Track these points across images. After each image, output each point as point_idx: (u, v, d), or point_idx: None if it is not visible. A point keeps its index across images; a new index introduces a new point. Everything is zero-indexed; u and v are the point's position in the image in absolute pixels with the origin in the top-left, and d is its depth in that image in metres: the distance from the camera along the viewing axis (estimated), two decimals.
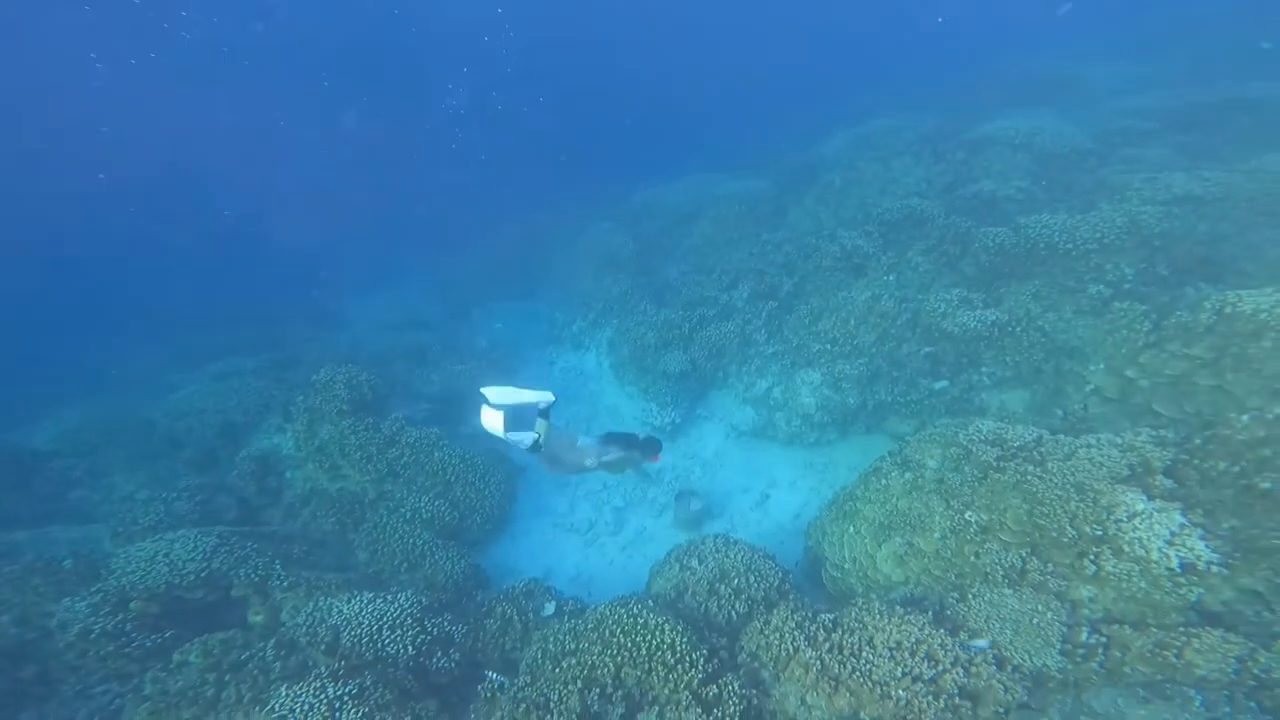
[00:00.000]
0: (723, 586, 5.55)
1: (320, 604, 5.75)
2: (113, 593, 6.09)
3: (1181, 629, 4.00)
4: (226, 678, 5.33)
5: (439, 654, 5.52)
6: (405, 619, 5.59)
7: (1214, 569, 4.03)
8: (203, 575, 6.23)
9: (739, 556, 5.84)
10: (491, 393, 6.10)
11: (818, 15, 31.61)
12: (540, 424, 6.12)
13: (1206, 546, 4.03)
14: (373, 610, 5.60)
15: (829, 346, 8.44)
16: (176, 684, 5.29)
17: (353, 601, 5.71)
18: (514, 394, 6.08)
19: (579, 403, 10.54)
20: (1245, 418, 4.59)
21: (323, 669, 5.07)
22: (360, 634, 5.35)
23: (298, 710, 4.59)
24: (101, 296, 21.10)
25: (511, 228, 17.29)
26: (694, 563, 5.93)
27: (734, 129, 20.57)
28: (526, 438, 6.00)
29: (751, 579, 5.56)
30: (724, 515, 8.01)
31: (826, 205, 11.51)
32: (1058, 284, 7.65)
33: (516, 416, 6.15)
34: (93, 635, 5.83)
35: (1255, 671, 3.69)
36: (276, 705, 4.66)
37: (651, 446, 6.45)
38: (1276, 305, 5.52)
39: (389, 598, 5.82)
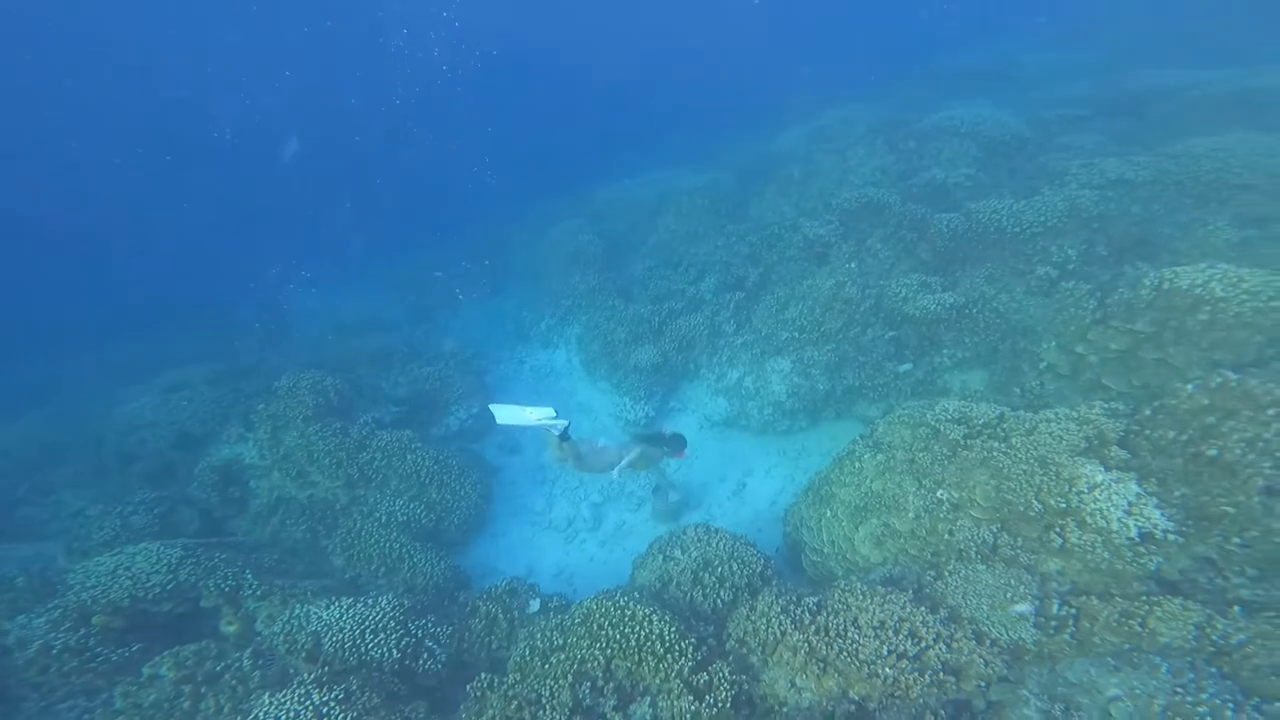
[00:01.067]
0: (707, 575, 5.65)
1: (297, 611, 5.67)
2: (72, 608, 5.92)
3: (1144, 598, 4.22)
4: (203, 689, 5.23)
5: (425, 656, 5.50)
6: (388, 622, 5.55)
7: (1170, 537, 4.27)
8: (169, 587, 6.08)
9: (721, 545, 5.95)
10: (499, 412, 6.38)
11: (772, 14, 31.88)
12: (566, 446, 6.43)
13: (1162, 515, 4.29)
14: (353, 615, 5.56)
15: (797, 334, 8.63)
16: (149, 697, 5.18)
17: (331, 607, 5.65)
18: (518, 414, 6.31)
19: (550, 400, 10.46)
20: (1189, 388, 4.88)
21: (306, 676, 4.99)
22: (342, 639, 5.30)
23: (283, 717, 4.52)
24: (39, 305, 19.99)
25: (475, 227, 17.04)
26: (677, 553, 6.02)
27: (694, 125, 20.72)
28: (556, 425, 6.27)
29: (734, 566, 5.68)
30: (702, 506, 8.13)
31: (787, 197, 11.71)
32: (1008, 266, 7.99)
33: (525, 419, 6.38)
34: (54, 651, 5.67)
35: (1213, 638, 3.89)
36: (260, 714, 4.58)
37: (677, 443, 6.57)
38: (1210, 280, 5.85)
39: (369, 602, 5.78)
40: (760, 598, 5.19)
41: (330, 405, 8.64)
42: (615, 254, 12.70)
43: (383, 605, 5.72)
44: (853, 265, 8.95)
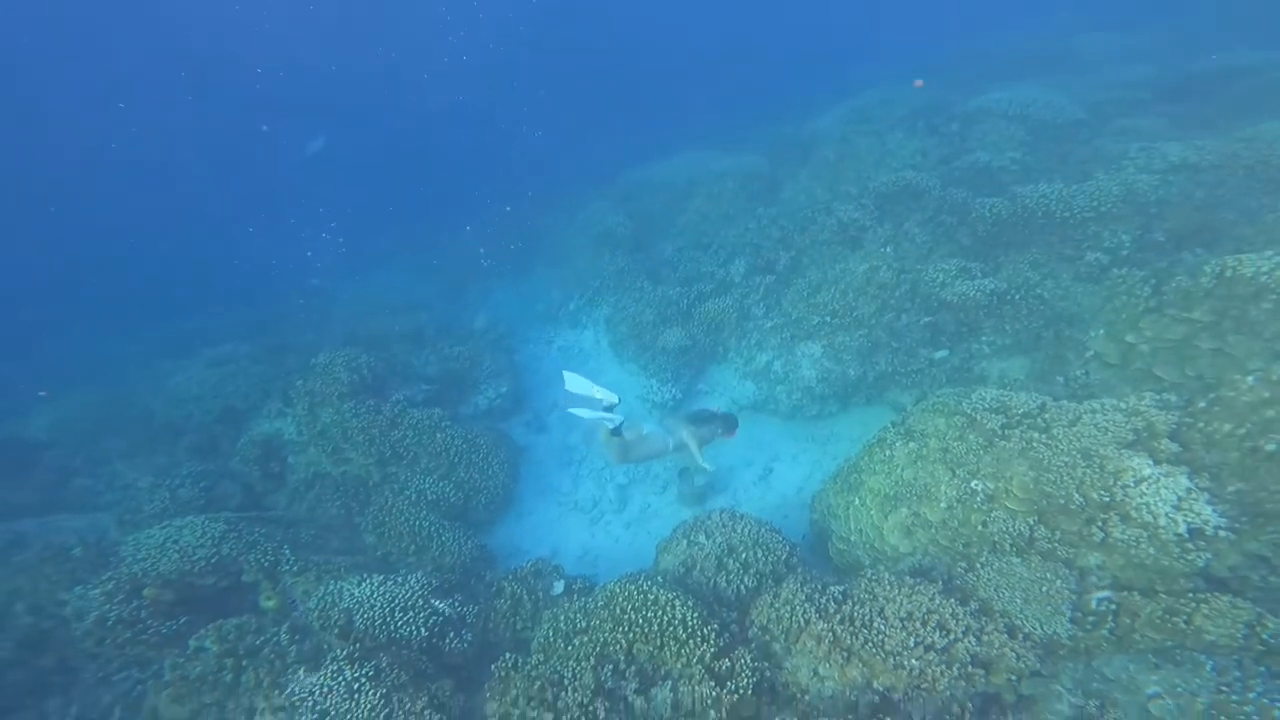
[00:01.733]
0: (730, 561, 5.58)
1: (331, 588, 5.77)
2: (125, 580, 6.10)
3: (1190, 595, 4.05)
4: (244, 663, 5.36)
5: (451, 635, 5.56)
6: (416, 601, 5.62)
7: (1221, 534, 4.07)
8: (213, 561, 6.24)
9: (745, 531, 5.88)
10: (571, 379, 6.52)
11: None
12: (614, 441, 6.41)
13: (1213, 511, 4.08)
14: (384, 593, 5.62)
15: (828, 319, 8.43)
16: (195, 669, 5.32)
17: (363, 584, 5.74)
18: (587, 387, 6.40)
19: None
20: (1249, 379, 4.62)
21: (339, 652, 5.10)
22: (373, 617, 5.37)
23: (317, 693, 4.63)
24: (92, 285, 20.77)
25: (506, 208, 17.11)
26: (701, 538, 5.96)
27: (727, 105, 20.28)
28: (611, 419, 6.31)
29: (759, 553, 5.60)
30: (728, 490, 8.05)
31: (821, 179, 11.43)
32: (1055, 252, 7.66)
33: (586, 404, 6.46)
34: (109, 623, 5.87)
35: (1263, 636, 3.74)
36: (296, 688, 4.71)
37: (729, 422, 6.46)
38: (1276, 268, 5.51)
39: (399, 580, 5.86)
40: (784, 585, 5.11)
41: (364, 382, 8.77)
42: (644, 235, 12.60)
43: (412, 583, 5.80)
44: (888, 250, 8.69)
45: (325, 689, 4.64)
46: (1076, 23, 18.07)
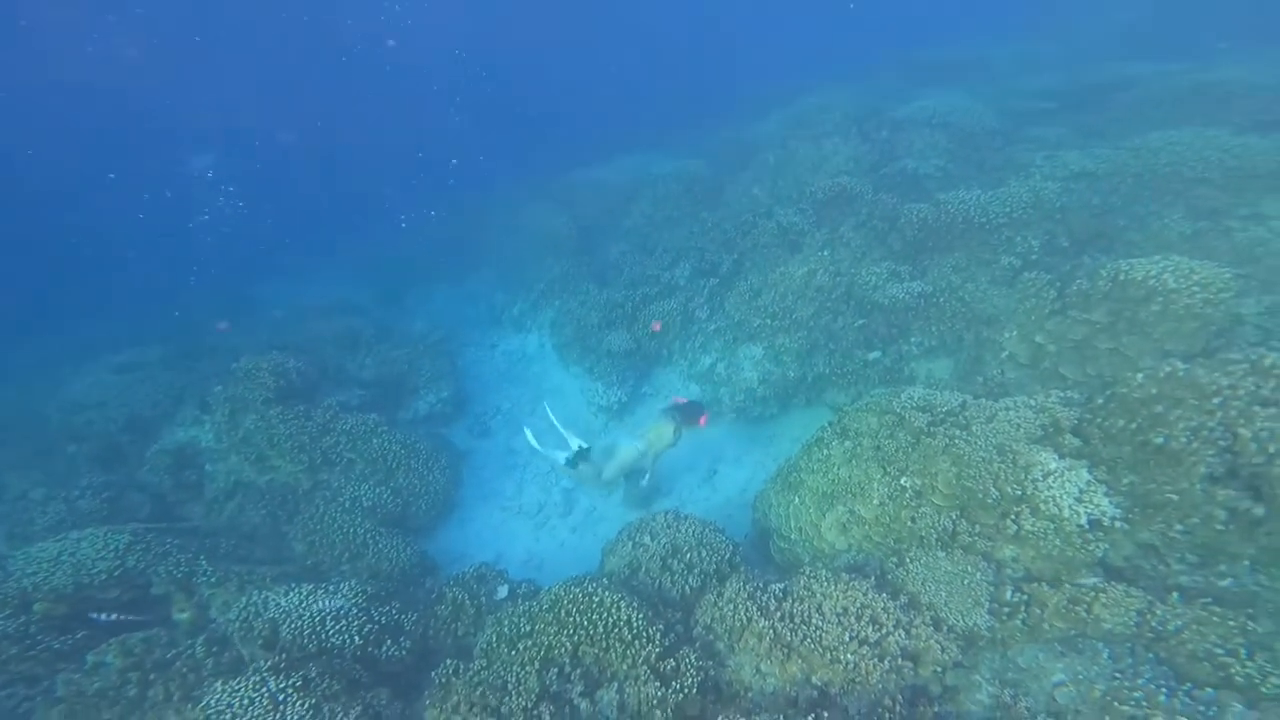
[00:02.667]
0: (675, 561, 5.70)
1: (255, 598, 5.60)
2: (13, 595, 5.75)
3: (1091, 584, 4.38)
4: (151, 676, 5.14)
5: (389, 642, 5.48)
6: (350, 609, 5.53)
7: (1116, 524, 4.43)
8: (116, 574, 5.95)
9: (690, 531, 6.01)
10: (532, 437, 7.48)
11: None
12: (584, 468, 6.96)
13: (1110, 502, 4.45)
14: (314, 602, 5.51)
15: (769, 321, 8.68)
16: (94, 685, 5.08)
17: (291, 594, 5.59)
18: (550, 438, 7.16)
19: (523, 385, 10.48)
20: (1139, 376, 5.04)
21: (262, 663, 4.93)
22: (302, 626, 5.23)
23: (236, 705, 4.46)
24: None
25: (446, 209, 16.75)
26: (646, 539, 6.06)
27: (673, 108, 20.46)
28: (559, 455, 6.86)
29: (703, 553, 5.74)
30: (673, 493, 8.21)
31: (762, 183, 11.71)
32: (975, 256, 8.10)
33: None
34: None
35: (1153, 624, 4.08)
36: (212, 701, 4.51)
37: (693, 411, 6.61)
38: (1163, 272, 6.02)
39: (331, 588, 5.74)
40: (728, 584, 5.27)
41: (293, 387, 8.50)
42: (589, 238, 12.63)
43: (345, 591, 5.70)
44: (825, 253, 9.02)
45: (246, 700, 4.48)
46: (991, 33, 19.19)
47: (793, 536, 6.08)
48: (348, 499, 7.60)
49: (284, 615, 5.33)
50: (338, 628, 5.31)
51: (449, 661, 5.04)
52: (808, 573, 5.09)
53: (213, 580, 6.12)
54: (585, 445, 7.08)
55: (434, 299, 13.23)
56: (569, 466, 7.05)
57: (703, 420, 7.09)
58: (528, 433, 7.71)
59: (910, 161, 10.27)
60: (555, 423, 7.69)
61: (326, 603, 5.52)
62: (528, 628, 5.09)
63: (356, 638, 5.29)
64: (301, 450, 7.93)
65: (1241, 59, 11.64)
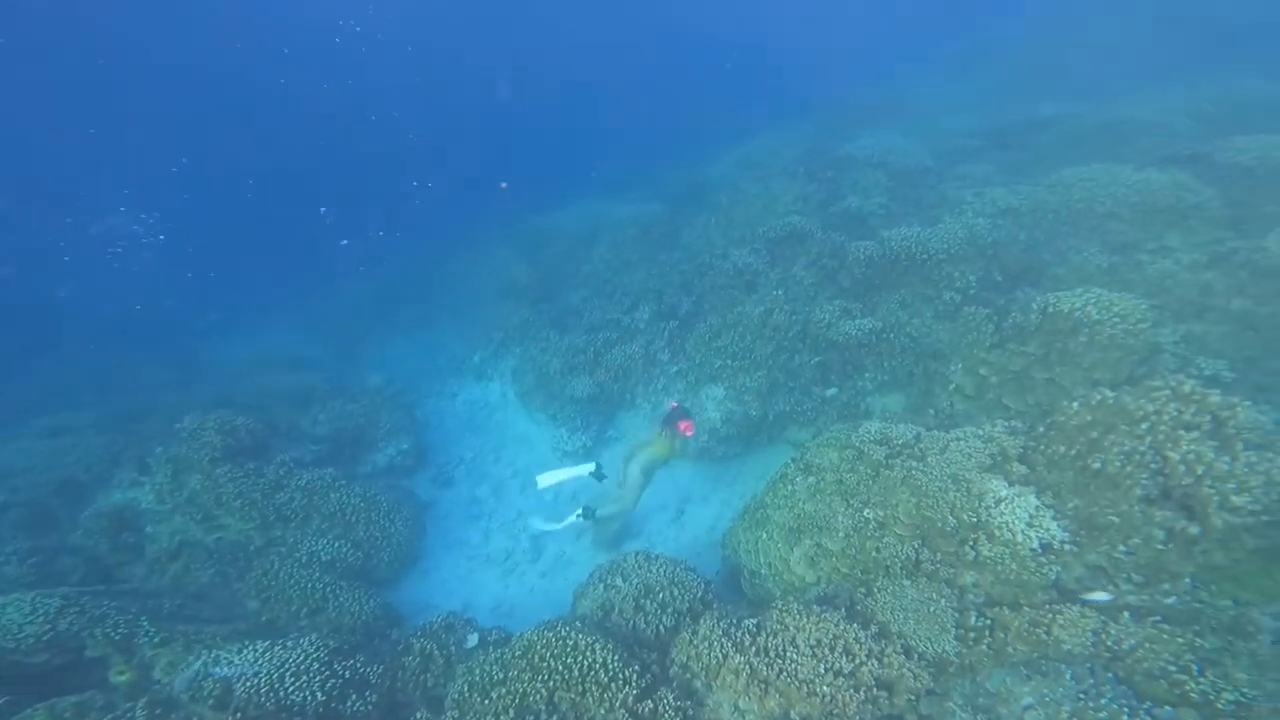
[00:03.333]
0: (648, 601, 5.74)
1: (204, 657, 5.37)
2: None
3: (1048, 606, 4.61)
4: None
5: (354, 697, 5.31)
6: (310, 664, 5.35)
7: (1066, 547, 4.70)
8: (45, 639, 5.60)
9: (661, 570, 6.07)
10: (543, 479, 7.90)
11: (695, 45, 32.69)
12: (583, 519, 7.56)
13: (1058, 526, 4.73)
14: (270, 658, 5.32)
15: (730, 361, 8.93)
16: None
17: (245, 651, 5.39)
18: (561, 474, 7.72)
19: (485, 433, 10.42)
20: (1074, 405, 5.42)
21: None
22: (258, 683, 5.04)
23: None
24: None
25: (401, 260, 16.65)
26: (618, 580, 6.09)
27: (625, 154, 20.96)
28: (570, 518, 7.60)
29: (675, 592, 5.80)
30: (642, 534, 8.25)
31: (717, 225, 12.13)
32: (919, 292, 8.50)
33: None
34: None
35: (1108, 644, 4.26)
36: None
37: (677, 416, 7.00)
38: (1086, 304, 6.51)
39: (289, 644, 5.55)
40: (702, 622, 5.34)
41: (241, 446, 8.36)
42: (549, 285, 12.79)
43: (304, 646, 5.52)
44: (780, 293, 9.38)
45: None
46: (920, 72, 20.51)
47: (763, 571, 6.20)
48: (305, 554, 7.49)
49: (238, 673, 5.13)
50: (298, 684, 5.13)
51: (420, 714, 4.95)
52: (780, 606, 5.20)
53: (156, 640, 5.81)
54: (596, 464, 7.81)
55: (389, 351, 13.08)
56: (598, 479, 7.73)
57: (684, 427, 7.26)
58: (535, 521, 8.13)
59: (855, 199, 10.80)
60: (558, 476, 7.98)
61: (285, 658, 5.34)
62: (500, 675, 5.04)
63: (319, 693, 5.13)
64: (252, 507, 7.78)
65: (1136, 98, 12.80)
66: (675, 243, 12.52)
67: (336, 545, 7.68)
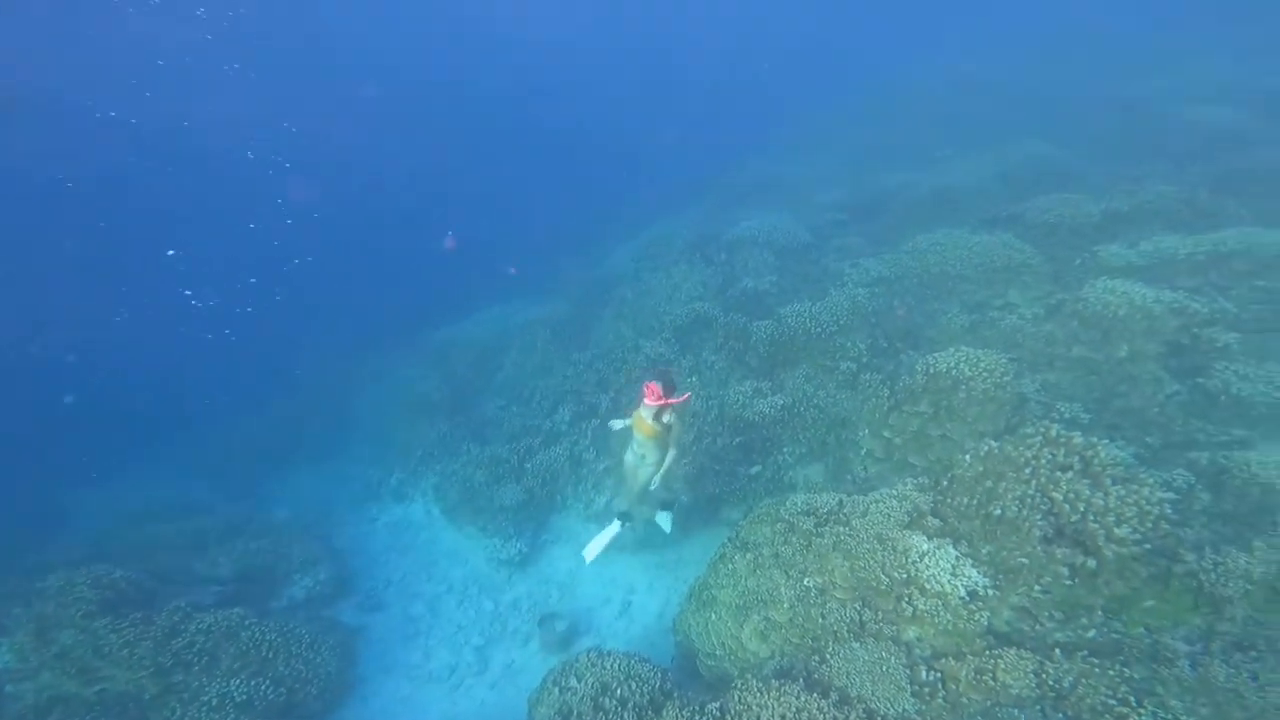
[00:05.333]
0: (607, 699, 5.68)
1: None
2: None
3: (988, 653, 4.84)
4: None
5: None
6: None
7: (989, 592, 5.12)
8: None
9: (615, 666, 6.05)
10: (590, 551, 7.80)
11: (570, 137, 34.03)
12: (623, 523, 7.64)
13: (978, 573, 5.21)
14: None
15: None
16: None
17: None
18: (599, 542, 7.72)
19: (413, 552, 10.00)
20: (966, 458, 6.10)
21: None
22: None
23: None
24: None
25: (297, 391, 15.67)
26: (572, 682, 6.00)
27: (525, 250, 21.00)
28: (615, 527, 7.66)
29: (633, 685, 5.79)
30: (591, 631, 8.12)
31: (625, 319, 12.59)
32: (819, 364, 9.16)
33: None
34: None
35: (1050, 684, 4.44)
36: None
37: (664, 377, 6.30)
38: (958, 363, 7.28)
39: None
40: (664, 713, 5.36)
41: (124, 597, 7.79)
42: (462, 397, 12.70)
43: None
44: (694, 379, 9.91)
45: None
46: (779, 152, 22.63)
47: (717, 652, 6.29)
48: (214, 696, 7.02)
49: None
50: None
51: None
52: (739, 686, 5.30)
53: None
54: (621, 514, 7.77)
55: (295, 484, 12.30)
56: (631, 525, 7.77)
57: (687, 397, 6.43)
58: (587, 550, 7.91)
59: (749, 280, 11.52)
60: (600, 544, 7.79)
61: None
62: None
63: None
64: (142, 656, 7.22)
65: (956, 165, 14.76)
66: (587, 341, 12.81)
67: (253, 684, 7.22)
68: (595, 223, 21.05)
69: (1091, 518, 5.02)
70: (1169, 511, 5.01)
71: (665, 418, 6.49)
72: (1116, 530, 4.90)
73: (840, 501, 6.52)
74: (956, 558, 5.33)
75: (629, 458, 7.28)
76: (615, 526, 7.70)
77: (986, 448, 5.97)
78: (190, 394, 16.34)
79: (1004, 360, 7.43)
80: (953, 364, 7.38)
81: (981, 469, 5.87)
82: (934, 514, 5.88)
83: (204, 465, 13.32)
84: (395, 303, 18.95)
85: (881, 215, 13.65)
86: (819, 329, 9.33)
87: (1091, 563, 4.89)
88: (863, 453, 7.94)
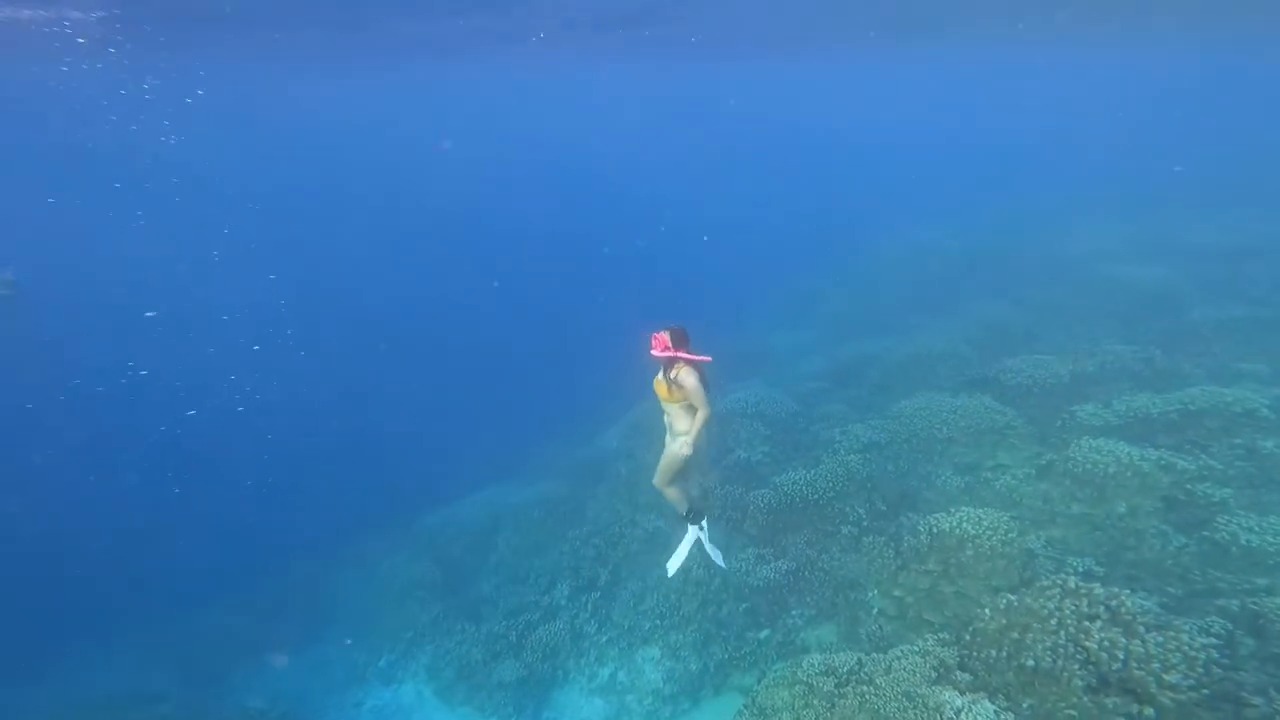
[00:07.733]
0: None
1: None
2: None
3: None
4: None
5: None
6: None
7: None
8: None
9: None
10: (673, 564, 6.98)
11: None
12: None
13: None
14: None
15: (659, 621, 8.86)
16: None
17: None
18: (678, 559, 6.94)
19: None
20: (986, 611, 5.96)
21: None
22: None
23: None
24: None
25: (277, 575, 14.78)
26: None
27: (508, 434, 21.01)
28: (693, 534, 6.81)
29: None
30: None
31: (620, 495, 12.44)
32: (820, 529, 9.21)
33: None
34: None
35: None
36: None
37: (675, 331, 5.40)
38: (961, 522, 7.40)
39: None
40: None
41: None
42: (456, 579, 12.20)
43: None
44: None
45: None
46: (764, 324, 23.09)
47: None
48: None
49: None
50: None
51: None
52: None
53: None
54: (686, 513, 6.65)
55: (270, 671, 11.25)
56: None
57: (708, 359, 5.60)
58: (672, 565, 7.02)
59: (742, 452, 11.65)
60: (680, 557, 6.93)
61: None
62: None
63: None
64: None
65: (926, 330, 15.38)
66: (582, 518, 12.54)
67: None
68: (584, 404, 21.11)
69: (1135, 665, 4.84)
70: (1216, 656, 4.86)
71: (676, 375, 5.61)
72: (1166, 677, 4.72)
73: (859, 660, 6.22)
74: (995, 712, 4.98)
75: (668, 440, 6.17)
76: (691, 533, 6.75)
77: (1005, 600, 5.89)
78: (154, 576, 15.24)
79: (1006, 517, 7.57)
80: (955, 523, 7.49)
81: (1005, 621, 5.73)
82: (961, 668, 5.62)
83: (169, 652, 12.13)
84: (378, 486, 18.41)
85: (860, 382, 14.11)
86: (816, 495, 9.49)
87: (1150, 711, 4.64)
88: (874, 611, 7.68)
